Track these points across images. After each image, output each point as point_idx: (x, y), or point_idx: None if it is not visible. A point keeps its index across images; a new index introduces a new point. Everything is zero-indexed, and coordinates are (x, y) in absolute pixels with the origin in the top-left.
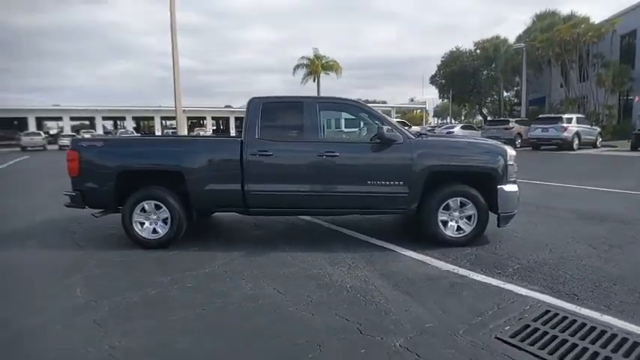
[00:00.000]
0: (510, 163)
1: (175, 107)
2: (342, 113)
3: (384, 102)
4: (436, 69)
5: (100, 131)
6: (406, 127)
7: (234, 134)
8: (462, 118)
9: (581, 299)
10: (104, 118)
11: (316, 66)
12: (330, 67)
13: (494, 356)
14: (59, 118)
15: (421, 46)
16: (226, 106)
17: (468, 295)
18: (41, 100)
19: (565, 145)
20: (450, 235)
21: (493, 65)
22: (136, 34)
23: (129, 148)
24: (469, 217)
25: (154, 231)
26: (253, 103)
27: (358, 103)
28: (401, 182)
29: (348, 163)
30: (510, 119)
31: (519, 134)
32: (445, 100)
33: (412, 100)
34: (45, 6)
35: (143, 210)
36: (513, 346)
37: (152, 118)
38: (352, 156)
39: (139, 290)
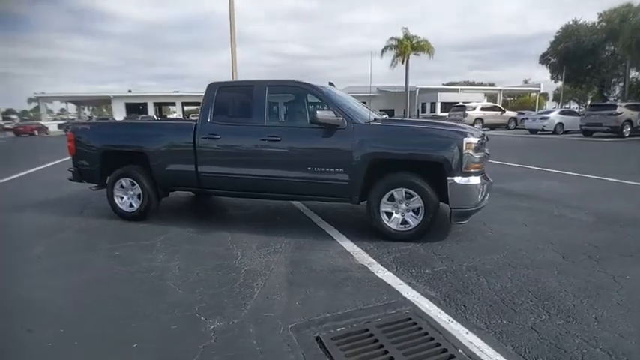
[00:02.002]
0: (467, 152)
1: None
2: (308, 96)
3: (492, 84)
4: (548, 46)
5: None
6: (498, 113)
7: None
8: (588, 102)
9: (466, 313)
10: None
11: (405, 47)
12: (421, 47)
13: (287, 353)
14: (173, 104)
15: (547, 20)
16: None
17: (348, 291)
18: (165, 86)
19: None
20: (393, 228)
21: (618, 40)
22: (249, 22)
23: (110, 131)
24: (416, 210)
25: (131, 205)
26: (210, 87)
27: (302, 84)
28: (341, 169)
29: (290, 147)
30: (619, 103)
31: (628, 121)
32: (560, 83)
33: (526, 81)
34: (169, 1)
35: (122, 186)
36: (323, 346)
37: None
38: (294, 140)
39: (82, 253)
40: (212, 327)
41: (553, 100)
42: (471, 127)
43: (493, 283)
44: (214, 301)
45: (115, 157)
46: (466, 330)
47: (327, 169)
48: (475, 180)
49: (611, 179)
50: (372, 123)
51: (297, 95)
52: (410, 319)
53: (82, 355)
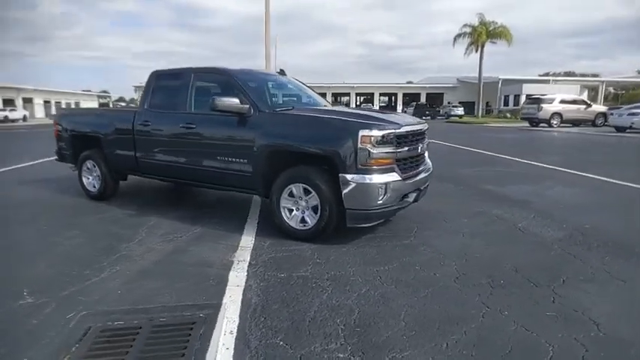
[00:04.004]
0: (364, 146)
1: None
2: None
3: (596, 75)
4: None
5: None
6: (581, 107)
7: (400, 110)
8: None
9: (251, 333)
10: None
11: (479, 34)
12: (498, 34)
13: (52, 337)
14: None
15: None
16: (408, 82)
17: (182, 286)
18: None
19: None
20: (292, 225)
21: None
22: (338, 12)
23: (77, 118)
24: (315, 208)
25: (94, 186)
26: (151, 75)
27: (218, 70)
28: (245, 160)
29: (201, 135)
30: None
31: None
32: None
33: None
34: None
35: (87, 168)
36: (82, 337)
37: (348, 94)
38: (206, 129)
39: (34, 224)
40: (21, 302)
41: None
42: (402, 117)
43: (316, 301)
44: (56, 278)
45: (82, 141)
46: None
47: (234, 160)
48: (377, 178)
49: None
50: (276, 111)
51: (218, 82)
52: (194, 323)
53: None
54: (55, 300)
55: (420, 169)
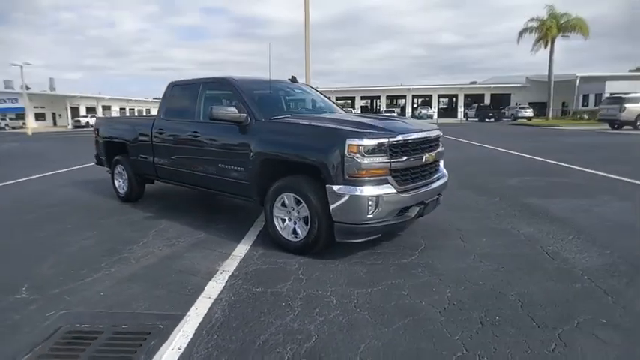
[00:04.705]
0: (351, 156)
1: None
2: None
3: None
4: None
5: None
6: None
7: (461, 112)
8: None
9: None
10: (362, 98)
11: (548, 28)
12: (571, 27)
13: (26, 333)
14: (327, 98)
15: None
16: (472, 82)
17: (159, 293)
18: (314, 83)
19: None
20: (285, 236)
21: None
22: (397, 15)
23: (110, 126)
24: (306, 220)
25: (123, 188)
26: (168, 85)
27: (220, 79)
28: (241, 168)
29: (205, 143)
30: None
31: None
32: None
33: None
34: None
35: (118, 172)
36: (49, 337)
37: (404, 97)
38: (209, 137)
39: (60, 224)
40: (17, 297)
41: None
42: (403, 124)
43: (277, 322)
44: (55, 276)
45: (114, 146)
46: None
47: (233, 167)
48: (367, 190)
49: None
50: (272, 120)
51: (223, 92)
52: (149, 333)
53: None
54: (45, 297)
55: (427, 180)
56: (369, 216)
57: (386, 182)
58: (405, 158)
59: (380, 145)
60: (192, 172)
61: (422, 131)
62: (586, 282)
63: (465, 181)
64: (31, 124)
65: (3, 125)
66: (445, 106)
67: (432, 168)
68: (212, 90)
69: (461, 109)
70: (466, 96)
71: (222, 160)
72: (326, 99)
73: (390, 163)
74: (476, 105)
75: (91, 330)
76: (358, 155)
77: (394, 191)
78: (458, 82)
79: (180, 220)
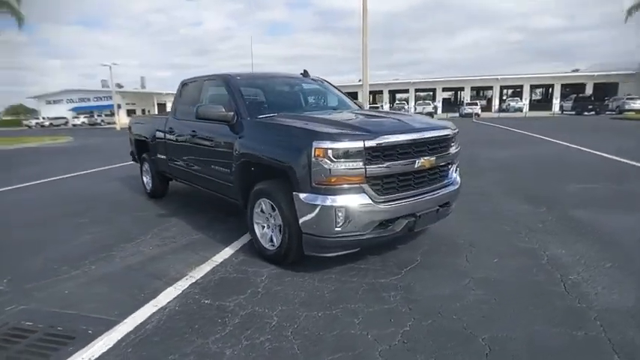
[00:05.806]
0: (318, 160)
1: (363, 81)
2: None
3: None
4: None
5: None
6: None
7: (557, 104)
8: None
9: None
10: (444, 90)
11: None
12: None
13: None
14: (406, 91)
15: None
16: (573, 70)
17: (115, 296)
18: (398, 74)
19: None
20: (262, 244)
21: None
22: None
23: (139, 125)
24: (281, 228)
25: (148, 184)
26: (180, 83)
27: (217, 76)
28: (227, 170)
29: (199, 143)
30: None
31: None
32: None
33: None
34: None
35: (145, 169)
36: None
37: (491, 88)
38: (204, 136)
39: (78, 217)
40: None
41: None
42: (394, 123)
43: (198, 343)
44: (39, 271)
45: (141, 144)
46: None
47: (220, 168)
48: (337, 200)
49: None
50: (258, 119)
51: (220, 89)
52: (74, 338)
53: None
54: (16, 291)
55: (423, 189)
56: (336, 229)
57: (360, 191)
58: (387, 164)
59: (353, 148)
60: (193, 172)
61: (415, 132)
62: (594, 330)
63: (517, 185)
64: (121, 120)
65: (99, 121)
66: (539, 98)
67: (431, 174)
68: (213, 88)
69: (556, 101)
70: (564, 86)
71: (215, 161)
72: (341, 95)
73: (364, 169)
74: (573, 96)
75: (27, 329)
76: (326, 160)
77: (369, 201)
78: (555, 71)
79: (188, 219)
